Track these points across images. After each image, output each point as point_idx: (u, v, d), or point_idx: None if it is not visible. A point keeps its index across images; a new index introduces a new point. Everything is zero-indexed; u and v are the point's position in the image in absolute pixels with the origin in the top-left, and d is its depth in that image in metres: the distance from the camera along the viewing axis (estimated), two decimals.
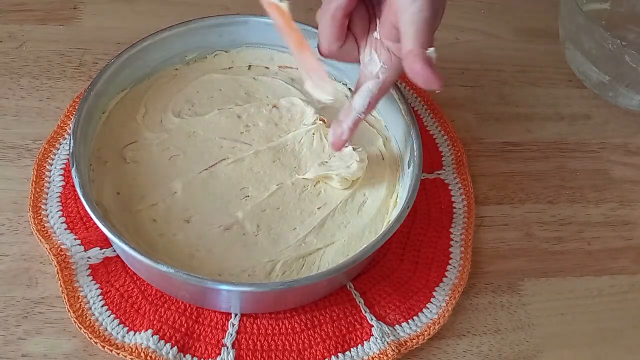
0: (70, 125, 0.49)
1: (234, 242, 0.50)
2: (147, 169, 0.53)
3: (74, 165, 0.47)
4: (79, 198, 0.46)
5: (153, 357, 0.46)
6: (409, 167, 0.53)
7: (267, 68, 0.62)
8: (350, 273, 0.52)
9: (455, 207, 0.59)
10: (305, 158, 0.56)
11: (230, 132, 0.57)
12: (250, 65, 0.62)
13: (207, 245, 0.50)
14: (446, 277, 0.54)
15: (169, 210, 0.51)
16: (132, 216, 0.50)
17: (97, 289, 0.50)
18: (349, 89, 0.62)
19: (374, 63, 0.48)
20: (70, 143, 0.48)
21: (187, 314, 0.49)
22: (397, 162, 0.57)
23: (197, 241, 0.50)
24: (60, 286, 0.49)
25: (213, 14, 0.59)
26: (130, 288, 0.50)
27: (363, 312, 0.51)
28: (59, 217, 0.53)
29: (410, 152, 0.53)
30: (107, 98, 0.55)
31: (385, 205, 0.54)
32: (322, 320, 0.50)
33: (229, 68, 0.61)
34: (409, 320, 0.51)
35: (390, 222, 0.48)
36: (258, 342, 0.49)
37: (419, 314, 0.52)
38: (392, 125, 0.58)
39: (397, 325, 0.51)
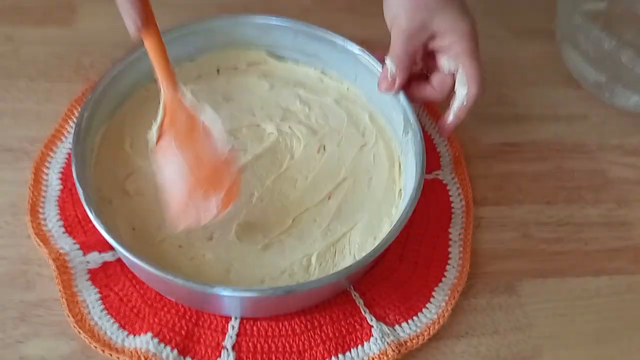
0: (73, 174, 0.47)
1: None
2: (153, 199, 0.51)
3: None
4: (77, 202, 0.46)
5: None
6: (406, 135, 0.54)
7: (236, 68, 0.61)
8: (351, 279, 0.52)
9: (453, 208, 0.59)
10: (296, 150, 0.56)
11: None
12: (218, 69, 0.61)
13: (239, 256, 0.50)
14: (445, 277, 0.54)
15: (189, 233, 0.50)
16: (157, 248, 0.49)
17: (96, 293, 0.50)
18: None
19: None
20: (79, 190, 0.47)
21: (187, 316, 0.49)
22: (388, 132, 0.58)
23: (228, 255, 0.50)
24: (60, 291, 0.49)
25: (212, 14, 0.59)
26: (129, 292, 0.50)
27: (363, 312, 0.51)
28: (57, 220, 0.53)
29: (405, 119, 0.54)
30: (92, 137, 0.52)
31: (391, 176, 0.55)
32: (322, 322, 0.50)
33: (199, 77, 0.60)
34: (408, 321, 0.51)
35: (392, 224, 0.49)
36: (258, 344, 0.49)
37: (419, 314, 0.52)
38: (376, 98, 0.59)
39: (396, 326, 0.51)
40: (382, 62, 0.55)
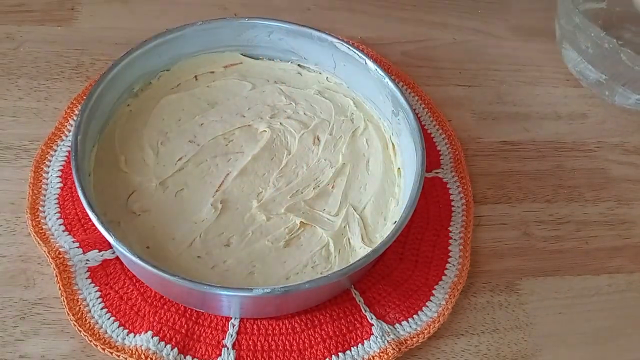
0: (83, 202, 0.46)
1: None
2: (161, 215, 0.51)
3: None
4: (76, 200, 0.46)
5: (153, 358, 0.46)
6: (396, 115, 0.55)
7: (213, 72, 0.61)
8: (351, 278, 0.52)
9: (453, 206, 0.59)
10: (292, 145, 0.57)
11: (215, 148, 0.56)
12: (196, 76, 0.60)
13: (260, 257, 0.50)
14: (445, 275, 0.54)
15: (205, 243, 0.50)
16: (176, 262, 0.49)
17: (96, 291, 0.50)
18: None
19: None
20: (93, 218, 0.45)
21: (187, 315, 0.49)
22: (375, 115, 0.60)
23: (248, 257, 0.50)
24: (59, 289, 0.49)
25: (211, 15, 0.59)
26: (129, 290, 0.50)
27: (363, 311, 0.51)
28: (57, 219, 0.53)
29: (393, 101, 0.55)
30: (86, 161, 0.51)
31: (387, 157, 0.57)
32: (323, 320, 0.50)
33: (177, 85, 0.59)
34: (408, 319, 0.51)
35: (395, 223, 0.48)
36: (259, 343, 0.49)
37: (419, 312, 0.52)
38: (357, 84, 0.60)
39: (397, 324, 0.51)
40: None
